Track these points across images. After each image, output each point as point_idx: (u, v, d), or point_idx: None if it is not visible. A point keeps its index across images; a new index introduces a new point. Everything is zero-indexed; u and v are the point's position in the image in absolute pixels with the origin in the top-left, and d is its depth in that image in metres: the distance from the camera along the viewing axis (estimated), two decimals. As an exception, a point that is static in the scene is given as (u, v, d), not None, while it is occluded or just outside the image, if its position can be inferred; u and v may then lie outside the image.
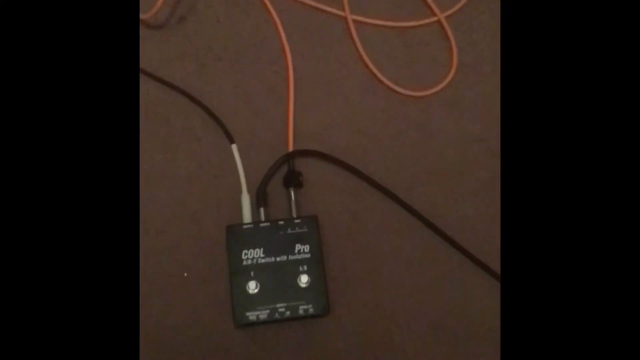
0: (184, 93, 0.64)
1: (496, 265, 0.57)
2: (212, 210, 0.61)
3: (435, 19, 0.68)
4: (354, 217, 0.61)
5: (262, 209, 0.60)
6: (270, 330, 0.57)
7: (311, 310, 0.55)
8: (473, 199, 0.61)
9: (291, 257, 0.57)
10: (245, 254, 0.57)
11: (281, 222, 0.58)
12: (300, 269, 0.56)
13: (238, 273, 0.56)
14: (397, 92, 0.65)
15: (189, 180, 0.62)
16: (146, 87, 0.64)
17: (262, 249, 0.57)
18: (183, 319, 0.57)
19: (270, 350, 0.57)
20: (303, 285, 0.56)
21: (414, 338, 0.57)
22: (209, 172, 0.62)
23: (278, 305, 0.55)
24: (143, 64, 0.64)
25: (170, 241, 0.59)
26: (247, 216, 0.59)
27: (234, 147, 0.62)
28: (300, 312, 0.55)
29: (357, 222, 0.61)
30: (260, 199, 0.60)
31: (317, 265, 0.57)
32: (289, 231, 0.58)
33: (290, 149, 0.63)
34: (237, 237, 0.57)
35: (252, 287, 0.56)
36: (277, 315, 0.55)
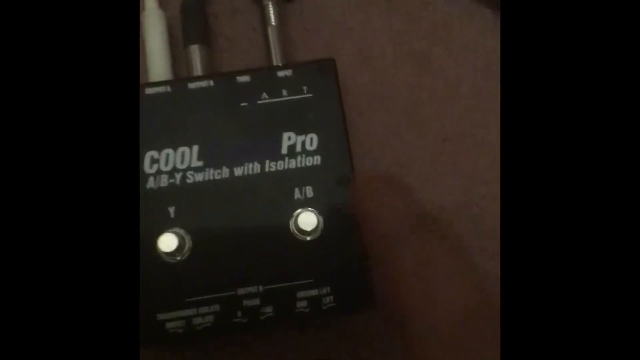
0: None
1: None
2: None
3: None
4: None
5: (195, 50, 0.24)
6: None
7: (329, 301, 0.21)
8: None
9: (273, 167, 0.22)
10: (154, 162, 0.22)
11: (244, 78, 0.22)
12: (298, 194, 0.22)
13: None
14: None
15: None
16: None
17: (196, 148, 0.22)
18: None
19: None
20: (307, 237, 0.21)
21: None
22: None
23: (242, 290, 0.21)
24: None
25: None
26: (157, 67, 0.24)
27: None
28: (301, 306, 0.21)
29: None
30: (191, 24, 0.24)
31: (339, 185, 0.22)
32: (266, 99, 0.22)
33: None
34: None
35: (172, 245, 0.21)
36: (239, 317, 0.21)
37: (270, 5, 0.24)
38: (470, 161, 0.25)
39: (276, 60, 0.24)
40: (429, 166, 0.25)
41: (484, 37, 0.26)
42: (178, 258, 0.21)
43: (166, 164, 0.22)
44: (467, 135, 0.25)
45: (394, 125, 0.25)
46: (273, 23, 0.24)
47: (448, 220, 0.24)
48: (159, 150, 0.22)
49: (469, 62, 0.26)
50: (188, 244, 0.21)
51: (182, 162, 0.22)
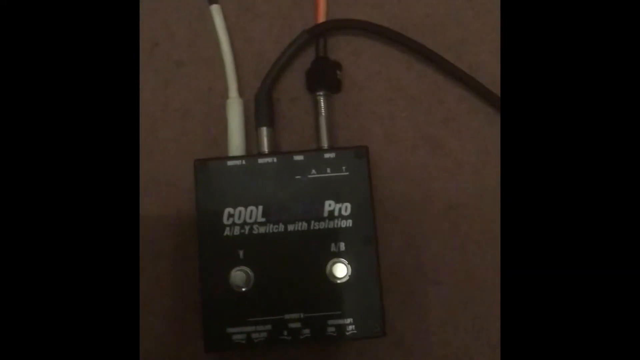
0: None
1: None
2: (172, 131, 0.33)
3: None
4: (434, 158, 0.33)
5: (264, 131, 0.32)
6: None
7: (351, 329, 0.29)
8: None
9: (316, 226, 0.30)
10: (230, 216, 0.30)
11: (299, 157, 0.30)
12: (333, 248, 0.30)
13: (214, 251, 0.29)
14: None
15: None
16: None
17: (261, 208, 0.30)
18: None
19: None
20: (338, 281, 0.29)
21: None
22: (168, 55, 0.34)
23: (288, 315, 0.29)
24: None
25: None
26: (235, 144, 0.32)
27: (216, 8, 0.34)
28: (331, 330, 0.29)
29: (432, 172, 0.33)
30: (261, 111, 0.32)
31: (364, 243, 0.30)
32: (314, 174, 0.30)
33: (321, 19, 0.34)
34: (214, 182, 0.30)
35: (240, 279, 0.29)
36: (285, 335, 0.29)
37: (322, 98, 0.32)
38: (468, 226, 0.33)
39: (323, 142, 0.32)
40: (435, 227, 0.33)
41: (485, 128, 0.33)
42: (244, 289, 0.29)
43: (239, 218, 0.30)
44: (467, 205, 0.33)
45: (410, 194, 0.33)
46: (323, 113, 0.32)
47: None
48: (234, 207, 0.30)
49: (472, 147, 0.33)
50: (252, 279, 0.29)
51: (250, 217, 0.30)
